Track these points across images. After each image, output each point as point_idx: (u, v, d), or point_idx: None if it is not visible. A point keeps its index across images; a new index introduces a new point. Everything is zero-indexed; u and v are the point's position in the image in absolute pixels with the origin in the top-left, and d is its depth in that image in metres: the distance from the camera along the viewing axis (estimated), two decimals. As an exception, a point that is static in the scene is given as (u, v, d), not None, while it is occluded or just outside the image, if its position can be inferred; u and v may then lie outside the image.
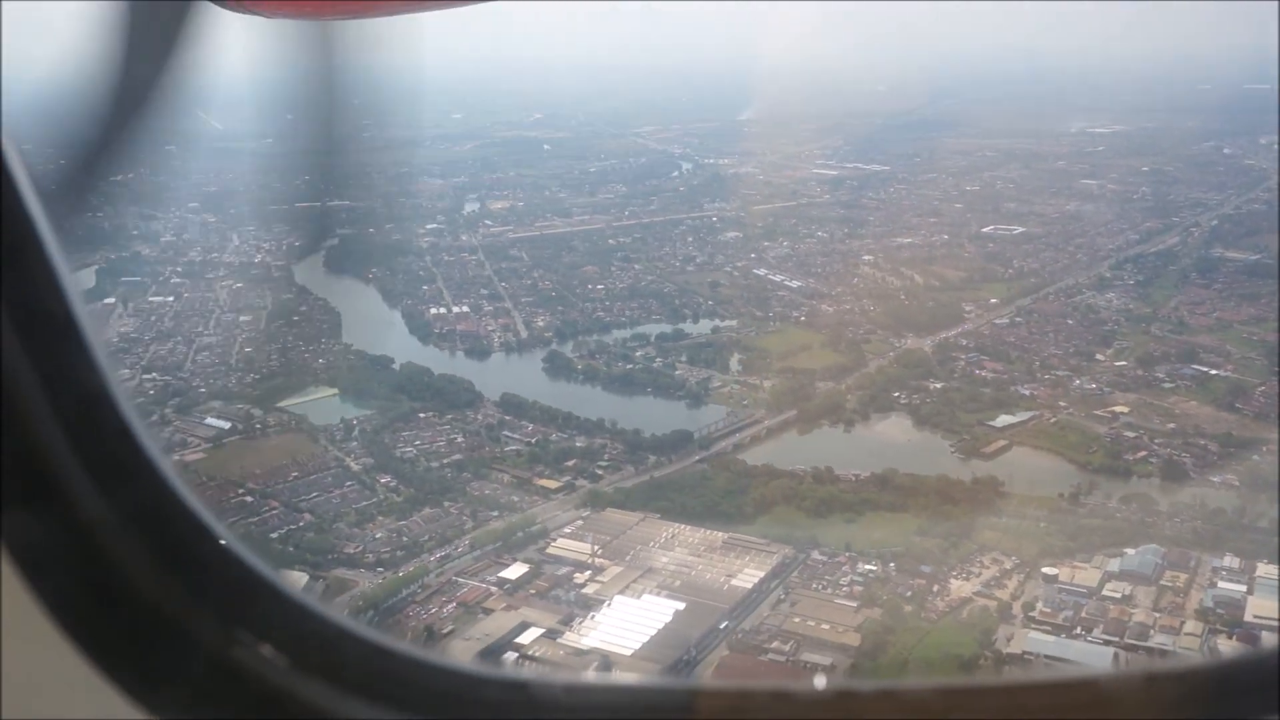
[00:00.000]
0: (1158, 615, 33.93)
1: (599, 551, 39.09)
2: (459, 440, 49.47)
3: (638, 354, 59.41)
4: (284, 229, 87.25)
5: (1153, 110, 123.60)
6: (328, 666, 2.68)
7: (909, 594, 36.27)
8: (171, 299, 69.30)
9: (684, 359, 58.38)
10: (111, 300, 67.98)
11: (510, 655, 33.23)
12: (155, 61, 3.07)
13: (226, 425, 50.60)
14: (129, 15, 3.11)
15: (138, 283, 71.55)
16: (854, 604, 35.58)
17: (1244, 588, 34.52)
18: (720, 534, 40.07)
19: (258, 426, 50.95)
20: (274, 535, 41.55)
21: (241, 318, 66.17)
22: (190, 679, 2.68)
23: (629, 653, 33.28)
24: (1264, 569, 35.24)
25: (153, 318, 66.08)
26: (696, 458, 47.24)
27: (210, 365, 58.90)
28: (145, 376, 56.87)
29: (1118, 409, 48.84)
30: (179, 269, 75.50)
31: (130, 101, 3.06)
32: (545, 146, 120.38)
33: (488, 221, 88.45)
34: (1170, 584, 35.56)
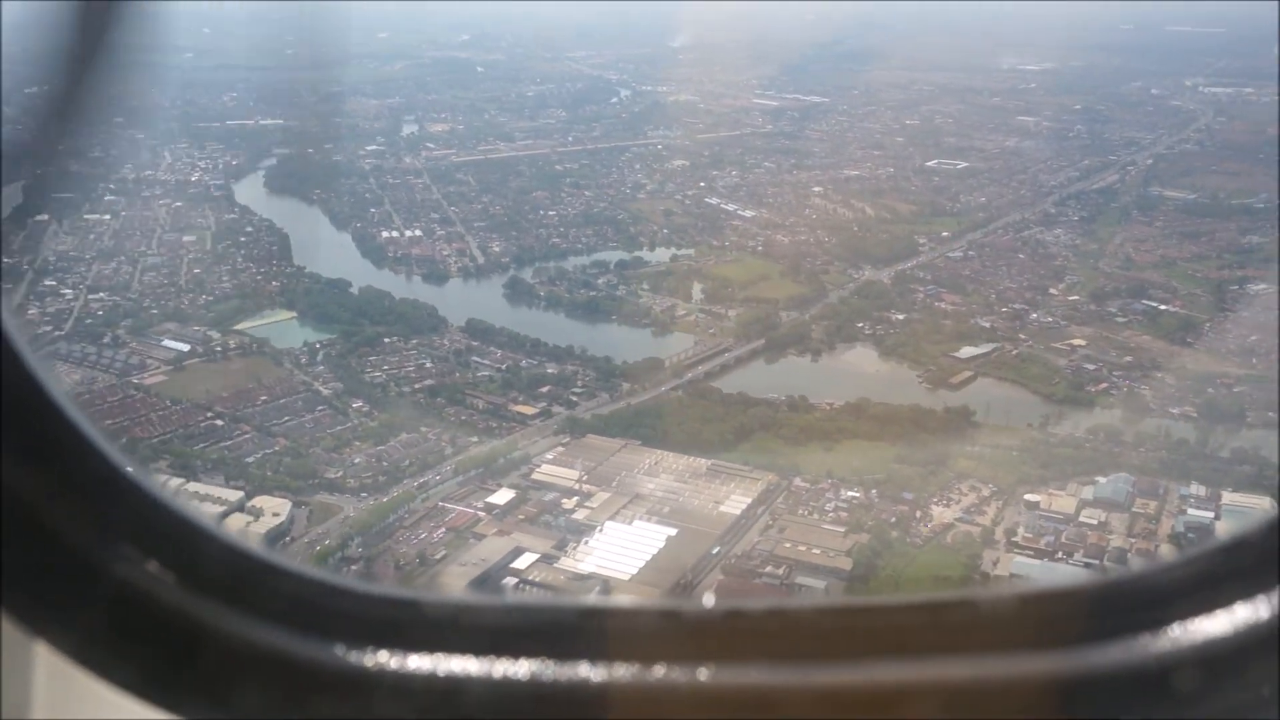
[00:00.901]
0: (1133, 540, 35.26)
1: (585, 478, 39.19)
2: (428, 365, 48.97)
3: (600, 281, 59.19)
4: (219, 147, 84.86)
5: (1078, 48, 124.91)
6: (218, 583, 2.68)
7: (893, 520, 37.13)
8: (108, 217, 66.86)
9: (646, 287, 58.35)
10: (45, 217, 65.05)
11: (508, 580, 33.33)
12: None
13: (185, 348, 49.36)
14: None
15: (70, 199, 68.71)
16: (841, 529, 36.31)
17: (1212, 514, 36.02)
18: (704, 461, 40.43)
19: (217, 349, 49.80)
20: (249, 460, 40.86)
21: (185, 237, 64.27)
22: (81, 603, 2.67)
23: (627, 577, 33.57)
24: (1229, 497, 36.77)
25: (91, 236, 63.82)
26: (669, 385, 47.38)
27: (158, 286, 57.21)
28: (91, 296, 55.15)
29: (1075, 342, 50.16)
30: (112, 186, 72.69)
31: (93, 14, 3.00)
32: (478, 69, 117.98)
33: (429, 144, 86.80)
34: (1142, 511, 36.95)
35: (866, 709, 2.45)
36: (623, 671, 2.49)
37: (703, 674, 2.46)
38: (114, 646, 2.66)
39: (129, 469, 2.83)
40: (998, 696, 2.41)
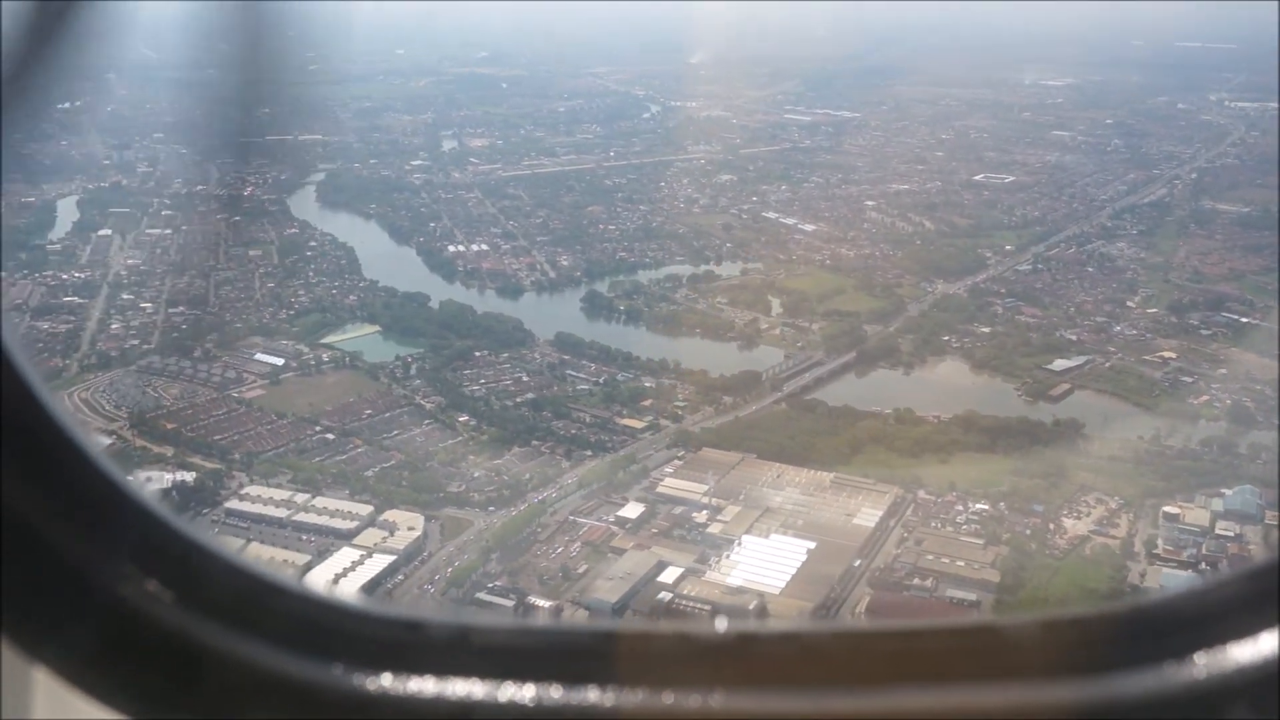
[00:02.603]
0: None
1: (711, 491, 39.04)
2: (524, 379, 48.80)
3: (677, 295, 59.12)
4: (264, 162, 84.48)
5: (1094, 64, 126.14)
6: (220, 604, 2.63)
7: (1028, 532, 37.12)
8: (170, 231, 66.59)
9: (723, 300, 58.32)
10: (108, 232, 65.18)
11: (660, 595, 33.17)
12: None
13: (279, 361, 49.09)
14: None
15: (128, 214, 68.55)
16: (979, 542, 36.29)
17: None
18: (825, 474, 40.38)
19: (310, 363, 49.50)
20: (368, 474, 40.60)
21: (251, 251, 63.94)
22: (81, 623, 2.61)
23: (777, 591, 33.46)
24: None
25: (157, 250, 63.43)
26: (771, 399, 47.33)
27: (235, 300, 56.93)
28: (171, 310, 54.70)
29: (1166, 355, 50.38)
30: (166, 200, 72.49)
31: (53, 22, 2.94)
32: (503, 85, 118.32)
33: (473, 159, 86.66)
34: (1273, 523, 37.02)
35: None
36: (633, 697, 2.43)
37: (715, 700, 2.39)
38: (113, 669, 2.60)
39: (131, 487, 2.75)
40: None
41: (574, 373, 49.51)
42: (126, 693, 2.57)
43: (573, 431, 44.08)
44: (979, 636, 2.46)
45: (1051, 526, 37.27)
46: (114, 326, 52.07)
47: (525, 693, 2.42)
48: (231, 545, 35.07)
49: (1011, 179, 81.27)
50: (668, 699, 2.39)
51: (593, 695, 2.42)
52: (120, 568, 2.60)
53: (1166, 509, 37.55)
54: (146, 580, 2.60)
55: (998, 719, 2.33)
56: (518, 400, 46.52)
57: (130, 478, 2.78)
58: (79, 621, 2.58)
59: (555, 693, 2.42)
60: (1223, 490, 38.83)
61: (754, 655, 2.45)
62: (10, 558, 2.56)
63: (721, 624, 2.46)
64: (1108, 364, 50.09)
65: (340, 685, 2.50)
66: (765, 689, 2.40)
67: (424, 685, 2.46)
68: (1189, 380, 47.96)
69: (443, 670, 2.47)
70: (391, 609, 2.93)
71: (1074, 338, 52.90)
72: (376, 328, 54.02)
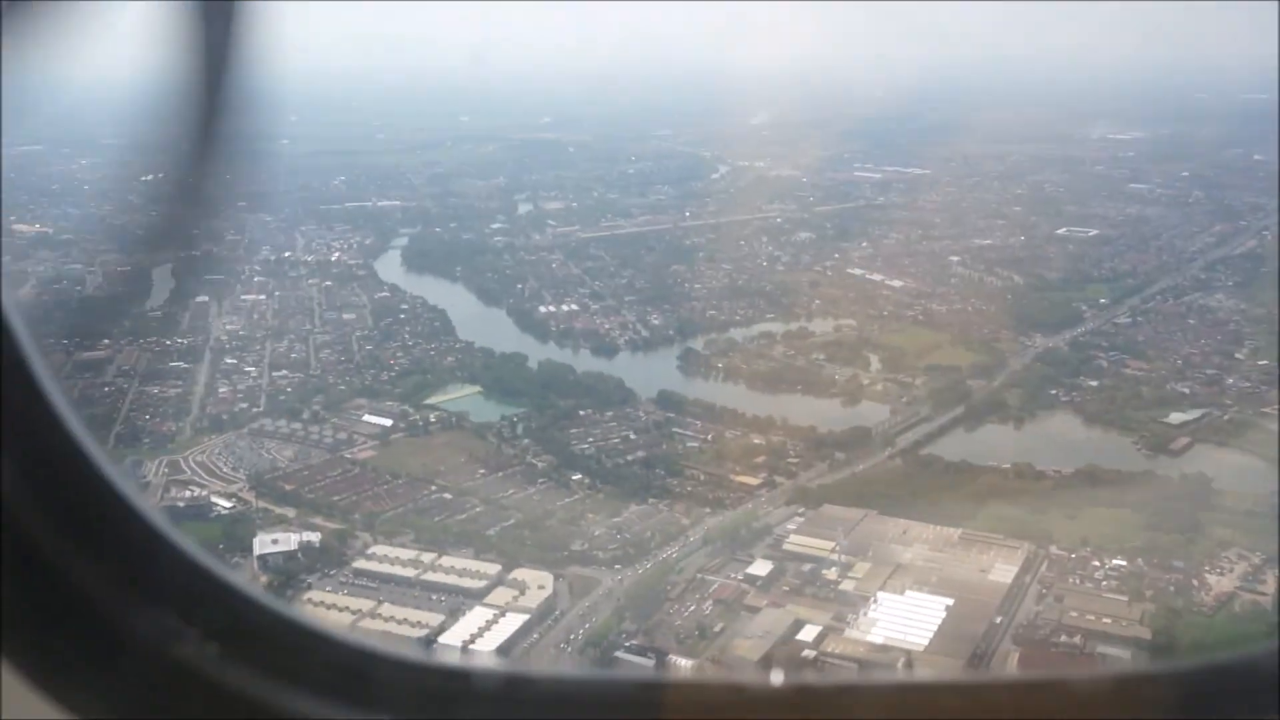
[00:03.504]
0: None
1: (838, 548, 38.43)
2: (631, 437, 48.55)
3: (774, 351, 58.83)
4: (346, 228, 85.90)
5: (1160, 118, 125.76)
6: (259, 651, 2.56)
7: (1172, 588, 36.11)
8: (264, 297, 67.64)
9: (821, 356, 57.92)
10: (205, 299, 66.13)
11: (803, 654, 32.51)
12: (221, 61, 3.07)
13: (388, 423, 49.26)
14: (193, 17, 3.10)
15: (222, 281, 69.60)
16: (1124, 598, 35.32)
17: None
18: (953, 530, 39.63)
19: (418, 424, 49.61)
20: (490, 533, 40.40)
21: (345, 315, 64.71)
22: (125, 676, 2.55)
23: (920, 648, 32.70)
24: None
25: (255, 315, 64.33)
26: (885, 454, 46.75)
27: (336, 362, 57.45)
28: (275, 374, 55.30)
29: (1284, 406, 49.14)
30: (257, 268, 73.66)
31: (213, 103, 3.06)
32: (570, 149, 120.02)
33: (551, 222, 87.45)
34: None
35: None
36: None
37: None
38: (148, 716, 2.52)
39: (175, 536, 2.69)
40: None
41: (680, 430, 49.23)
42: None
43: (688, 489, 43.72)
44: (1045, 691, 2.36)
45: (1195, 582, 36.25)
46: (221, 390, 52.66)
47: None
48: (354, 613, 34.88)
49: (1095, 232, 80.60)
50: None
51: None
52: (164, 619, 2.56)
53: (1316, 564, 36.41)
54: (186, 628, 2.55)
55: None
56: (628, 458, 46.26)
57: (170, 526, 2.73)
58: (122, 677, 2.52)
59: None
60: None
61: (810, 707, 2.35)
62: (54, 615, 2.51)
63: (777, 675, 2.39)
64: (1225, 416, 49.01)
65: None
66: None
67: None
68: (1314, 432, 46.69)
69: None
70: (434, 658, 2.70)
71: (1186, 390, 51.87)
72: (478, 388, 54.14)
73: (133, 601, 2.57)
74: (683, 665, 32.06)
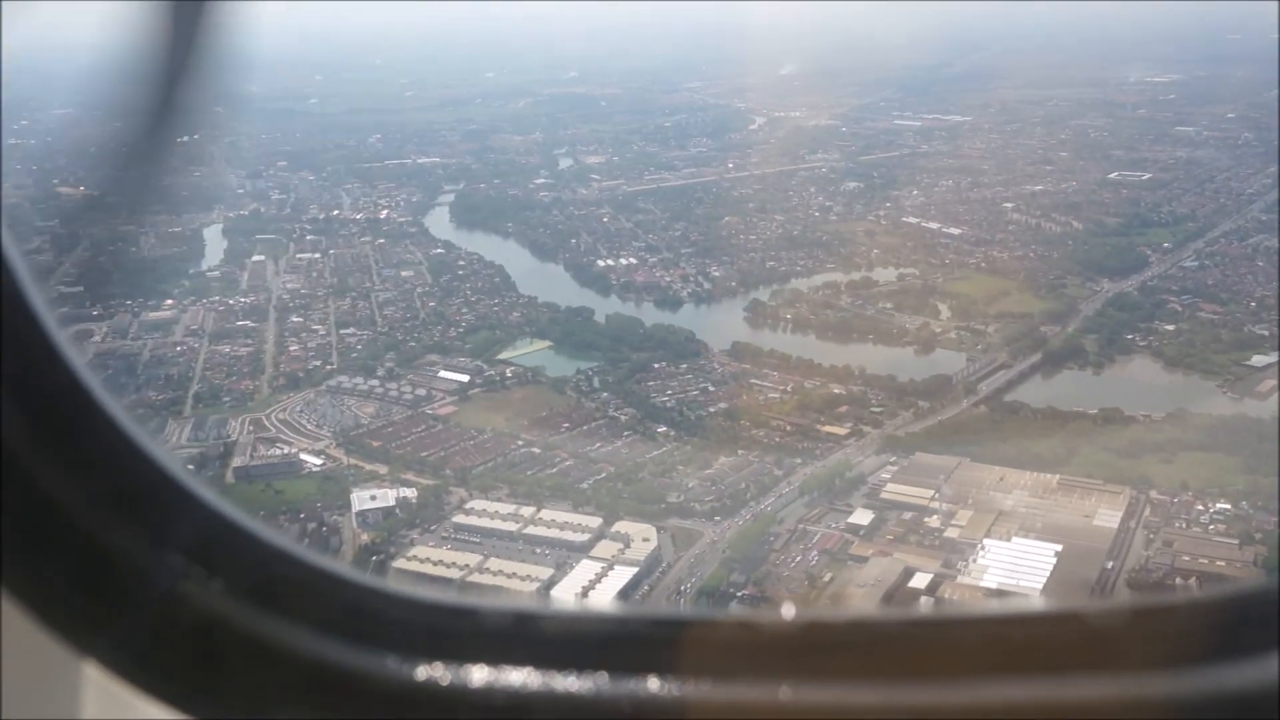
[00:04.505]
0: None
1: (937, 496, 38.24)
2: (710, 389, 48.30)
3: (840, 301, 58.40)
4: (389, 185, 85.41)
5: (1194, 61, 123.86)
6: (266, 590, 2.55)
7: (1281, 531, 35.87)
8: (318, 255, 67.32)
9: (889, 306, 57.47)
10: (260, 258, 66.00)
11: (922, 599, 32.41)
12: (197, 22, 3.07)
13: (465, 378, 49.06)
14: None
15: (274, 240, 69.43)
16: (1234, 541, 35.09)
17: None
18: (1050, 476, 39.37)
19: (495, 379, 49.43)
20: (584, 486, 40.30)
21: (403, 272, 64.34)
22: (129, 616, 2.55)
23: (1036, 593, 32.54)
24: None
25: (313, 274, 64.09)
26: (969, 402, 46.45)
27: (401, 320, 57.19)
28: (343, 331, 55.09)
29: (1367, 346, 48.70)
30: (306, 226, 73.42)
31: (180, 62, 3.05)
32: (602, 103, 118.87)
33: (594, 176, 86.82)
34: None
35: None
36: (694, 688, 2.28)
37: (780, 693, 2.24)
38: (160, 661, 2.53)
39: (179, 475, 2.69)
40: None
41: (757, 381, 48.93)
42: (174, 682, 2.51)
43: (776, 439, 43.45)
44: (1065, 624, 2.30)
45: (1305, 524, 35.97)
46: (292, 348, 52.51)
47: (582, 683, 2.33)
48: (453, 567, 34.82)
49: (1148, 176, 79.63)
50: (731, 690, 2.28)
51: (652, 686, 2.29)
52: (167, 556, 2.55)
53: None
54: (195, 569, 2.55)
55: (1087, 713, 2.18)
56: (710, 410, 46.02)
57: (176, 461, 2.71)
58: (127, 614, 2.53)
59: (613, 682, 2.32)
60: None
61: (823, 644, 2.32)
62: (55, 551, 2.51)
63: (789, 611, 2.36)
64: (1308, 357, 48.49)
65: (390, 674, 2.41)
66: (835, 680, 2.27)
67: (476, 674, 2.37)
68: (1403, 373, 46.28)
69: (495, 659, 2.38)
70: (442, 596, 2.69)
71: (1265, 333, 51.32)
72: (547, 343, 53.89)
73: (133, 538, 2.56)
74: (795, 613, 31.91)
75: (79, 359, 2.63)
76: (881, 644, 2.33)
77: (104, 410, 2.63)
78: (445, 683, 2.39)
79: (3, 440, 2.48)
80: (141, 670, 2.53)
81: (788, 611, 2.37)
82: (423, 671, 2.40)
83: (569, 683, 2.34)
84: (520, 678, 2.36)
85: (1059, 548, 34.94)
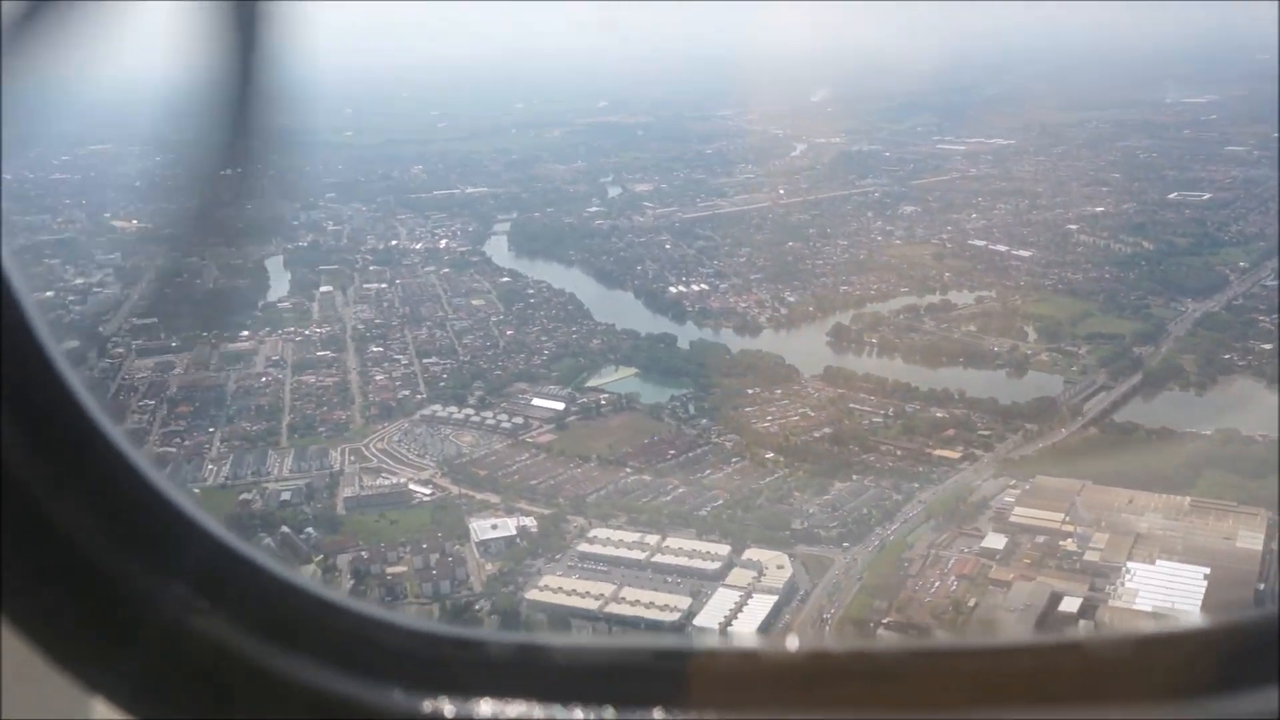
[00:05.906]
0: None
1: (1070, 519, 37.45)
2: (810, 414, 47.58)
3: (924, 325, 57.79)
4: (442, 215, 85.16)
5: (1226, 80, 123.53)
6: (270, 622, 2.51)
7: None
8: (385, 285, 66.83)
9: (973, 328, 56.84)
10: (328, 288, 65.58)
11: (1076, 625, 31.60)
12: (255, 57, 3.07)
13: (560, 406, 48.41)
14: (225, 14, 3.09)
15: (339, 271, 68.99)
16: (1391, 562, 34.26)
17: None
18: (1180, 498, 38.55)
19: (590, 406, 48.78)
20: (702, 514, 39.54)
21: (473, 301, 63.83)
22: (140, 650, 2.49)
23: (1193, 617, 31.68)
24: None
25: (383, 304, 63.60)
26: (1078, 424, 45.71)
27: (482, 348, 56.59)
28: (425, 360, 54.50)
29: None
30: (368, 256, 73.08)
31: (246, 97, 3.07)
32: (639, 131, 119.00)
33: (647, 204, 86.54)
34: None
35: None
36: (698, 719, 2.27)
37: None
38: (167, 693, 2.49)
39: (184, 505, 2.63)
40: None
41: (856, 405, 48.24)
42: (178, 713, 2.47)
43: (888, 464, 42.73)
44: (1067, 655, 2.30)
45: None
46: (378, 378, 51.95)
47: (586, 715, 2.31)
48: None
49: (1209, 196, 79.30)
50: None
51: (658, 718, 2.29)
52: (173, 587, 2.51)
53: None
54: (199, 599, 2.51)
55: None
56: (815, 435, 45.28)
57: (183, 494, 2.64)
58: (133, 647, 2.49)
59: (618, 715, 2.30)
60: None
61: (826, 675, 2.33)
62: (59, 583, 2.47)
63: (792, 642, 2.35)
64: None
65: (395, 706, 2.39)
66: (838, 710, 2.28)
67: (481, 707, 2.35)
68: None
69: (501, 691, 2.36)
70: (447, 628, 2.64)
71: (1364, 350, 50.68)
72: (634, 370, 53.31)
73: (138, 567, 2.52)
74: (948, 641, 31.12)
75: (82, 386, 2.57)
76: (884, 675, 2.33)
77: (109, 441, 2.58)
78: (450, 716, 2.37)
79: (4, 469, 2.43)
80: (147, 703, 2.49)
81: (790, 642, 2.40)
82: (428, 705, 2.38)
83: (574, 715, 2.32)
84: (525, 710, 2.35)
85: (1207, 570, 34.08)
